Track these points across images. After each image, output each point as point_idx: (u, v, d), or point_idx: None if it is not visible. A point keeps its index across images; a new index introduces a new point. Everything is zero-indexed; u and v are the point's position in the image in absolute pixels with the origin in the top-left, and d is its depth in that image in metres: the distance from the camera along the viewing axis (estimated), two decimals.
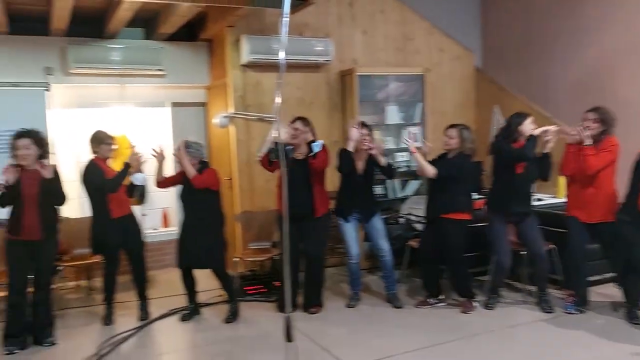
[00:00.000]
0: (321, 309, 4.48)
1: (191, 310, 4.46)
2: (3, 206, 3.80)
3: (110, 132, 4.46)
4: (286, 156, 2.86)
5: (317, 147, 4.29)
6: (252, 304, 4.73)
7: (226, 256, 4.45)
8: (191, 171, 4.18)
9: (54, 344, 3.94)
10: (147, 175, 4.47)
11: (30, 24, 5.29)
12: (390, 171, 4.56)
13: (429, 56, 6.55)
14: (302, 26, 5.73)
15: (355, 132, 4.35)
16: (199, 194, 4.22)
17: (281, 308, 4.47)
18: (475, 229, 4.51)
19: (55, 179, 3.88)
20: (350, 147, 4.37)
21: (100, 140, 4.35)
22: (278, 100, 2.86)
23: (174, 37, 5.83)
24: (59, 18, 4.88)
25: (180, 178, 4.35)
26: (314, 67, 5.85)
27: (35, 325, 3.93)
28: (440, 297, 4.55)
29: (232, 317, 4.35)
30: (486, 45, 7.32)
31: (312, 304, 4.47)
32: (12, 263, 3.82)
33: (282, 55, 2.73)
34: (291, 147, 4.17)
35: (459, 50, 6.75)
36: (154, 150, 4.39)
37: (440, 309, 4.46)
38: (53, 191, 3.85)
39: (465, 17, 7.27)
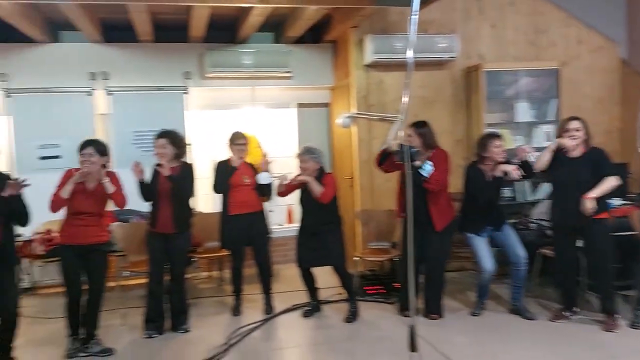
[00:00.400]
0: (440, 317, 4.33)
1: (313, 307, 4.56)
2: (144, 200, 4.14)
3: (243, 133, 4.65)
4: (411, 159, 2.77)
5: (425, 172, 3.99)
6: (371, 304, 4.71)
7: (346, 254, 4.47)
8: (318, 189, 4.21)
9: (187, 331, 4.22)
10: (271, 175, 4.59)
11: (171, 33, 5.74)
12: (529, 169, 4.16)
13: (566, 49, 6.06)
14: (426, 23, 5.59)
15: (512, 172, 4.03)
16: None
17: (401, 310, 4.40)
18: (619, 238, 4.08)
19: (186, 176, 4.13)
20: (498, 173, 4.11)
21: (231, 140, 4.59)
22: (405, 99, 2.80)
23: (300, 40, 6.01)
24: (197, 26, 5.24)
25: (299, 184, 4.44)
26: (438, 64, 5.68)
27: (172, 313, 4.24)
28: (575, 309, 4.19)
29: (352, 316, 4.37)
30: (633, 35, 6.59)
31: (432, 311, 4.33)
32: (150, 253, 4.15)
33: (410, 53, 2.67)
34: (417, 149, 4.04)
35: (600, 41, 6.16)
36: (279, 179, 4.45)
37: (578, 323, 4.10)
38: (180, 188, 4.07)
39: (608, 5, 6.60)
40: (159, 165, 4.01)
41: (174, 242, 4.10)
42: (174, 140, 4.09)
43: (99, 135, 5.50)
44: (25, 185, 3.37)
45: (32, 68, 5.45)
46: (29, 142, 5.35)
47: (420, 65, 5.40)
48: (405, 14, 5.52)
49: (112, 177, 3.78)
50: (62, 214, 3.76)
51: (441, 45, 5.52)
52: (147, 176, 4.07)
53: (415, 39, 2.69)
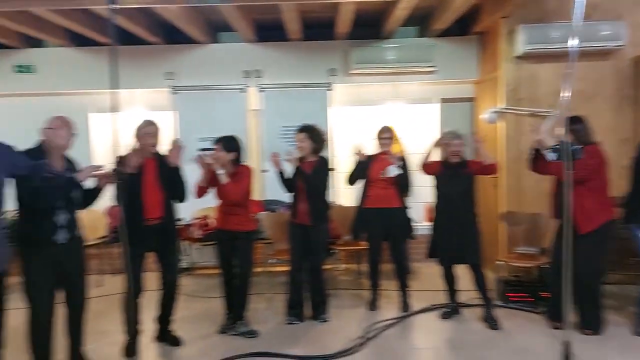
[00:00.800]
0: (596, 334, 3.93)
1: (452, 309, 4.42)
2: (286, 192, 4.33)
3: (389, 127, 4.64)
4: (573, 157, 2.54)
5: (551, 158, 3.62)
6: (515, 312, 4.46)
7: (483, 254, 4.27)
8: (489, 157, 4.13)
9: (326, 320, 4.35)
10: (400, 168, 4.49)
11: (318, 31, 5.92)
12: None
13: None
14: (589, 8, 4.99)
15: None
16: (462, 183, 4.17)
17: (550, 322, 4.09)
18: None
19: (321, 170, 4.23)
20: None
21: (377, 135, 4.60)
22: (566, 94, 2.57)
23: (445, 33, 5.84)
24: (343, 23, 5.34)
25: (439, 167, 4.32)
26: (601, 54, 5.14)
27: (312, 302, 4.39)
28: None
29: (492, 322, 4.16)
30: None
31: (586, 326, 3.94)
32: (291, 243, 4.34)
33: (574, 42, 2.44)
34: (579, 147, 3.69)
35: None
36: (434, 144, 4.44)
37: None
38: (310, 182, 4.19)
39: None
40: (290, 159, 4.19)
41: (312, 233, 4.24)
42: (313, 135, 4.23)
43: (251, 130, 5.90)
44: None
45: (194, 67, 5.97)
46: (191, 135, 5.85)
47: (579, 55, 4.93)
48: (564, 0, 5.10)
49: (242, 170, 4.00)
50: (216, 201, 4.08)
51: (605, 33, 4.99)
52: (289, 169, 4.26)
53: (580, 25, 2.46)
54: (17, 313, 3.14)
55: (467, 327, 4.21)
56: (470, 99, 6.23)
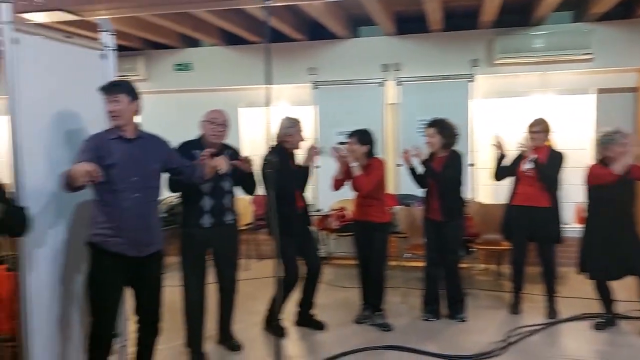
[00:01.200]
0: None
1: (607, 320, 4.04)
2: (418, 187, 4.26)
3: (541, 119, 4.29)
4: None
5: None
6: None
7: None
8: None
9: (463, 320, 4.21)
10: (534, 162, 4.13)
11: (459, 20, 5.71)
12: None
13: None
14: None
15: None
16: (621, 188, 3.75)
17: None
18: None
19: (452, 165, 4.07)
20: None
21: (528, 128, 4.30)
22: None
23: (604, 17, 5.31)
24: (488, 10, 5.08)
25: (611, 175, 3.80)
26: None
27: (448, 299, 4.28)
28: None
29: None
30: None
31: None
32: (425, 239, 4.27)
33: None
34: None
35: None
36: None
37: None
38: (440, 178, 4.06)
39: None
40: (418, 155, 4.12)
41: (444, 229, 4.13)
42: (443, 130, 4.11)
43: (388, 124, 5.90)
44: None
45: (334, 62, 6.10)
46: (330, 128, 5.97)
47: None
48: None
49: (374, 163, 3.99)
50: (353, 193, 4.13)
51: None
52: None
53: None
54: (175, 290, 3.46)
55: (625, 341, 3.82)
56: (633, 89, 5.61)
